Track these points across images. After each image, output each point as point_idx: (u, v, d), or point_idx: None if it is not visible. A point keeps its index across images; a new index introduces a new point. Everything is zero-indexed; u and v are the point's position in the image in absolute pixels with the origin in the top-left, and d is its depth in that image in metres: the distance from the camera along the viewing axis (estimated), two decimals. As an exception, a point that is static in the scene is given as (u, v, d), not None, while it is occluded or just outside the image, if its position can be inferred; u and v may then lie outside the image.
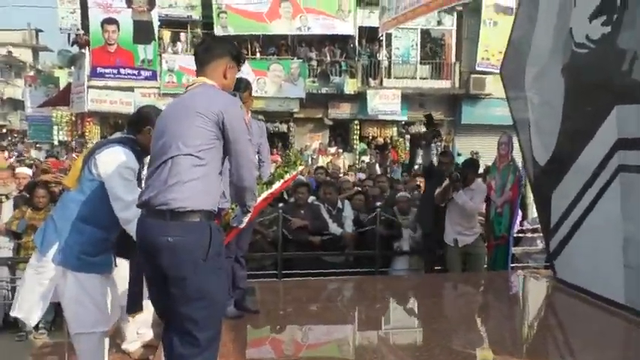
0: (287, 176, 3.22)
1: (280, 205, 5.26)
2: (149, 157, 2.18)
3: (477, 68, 15.73)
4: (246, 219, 2.40)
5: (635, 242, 3.38)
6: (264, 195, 3.09)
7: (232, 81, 2.27)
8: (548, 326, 3.79)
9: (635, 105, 3.32)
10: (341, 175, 9.40)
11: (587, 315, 3.64)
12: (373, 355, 3.01)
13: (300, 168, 3.42)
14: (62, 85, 18.11)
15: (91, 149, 2.67)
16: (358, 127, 16.20)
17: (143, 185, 2.99)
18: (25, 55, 34.74)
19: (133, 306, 2.71)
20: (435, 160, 5.65)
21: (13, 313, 2.44)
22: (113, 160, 2.53)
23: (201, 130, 2.00)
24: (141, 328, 3.30)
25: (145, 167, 2.86)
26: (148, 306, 3.32)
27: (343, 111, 16.11)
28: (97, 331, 2.58)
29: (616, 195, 3.53)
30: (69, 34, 15.47)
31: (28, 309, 2.42)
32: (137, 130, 2.68)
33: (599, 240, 3.69)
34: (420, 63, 16.27)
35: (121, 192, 2.50)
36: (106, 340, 2.76)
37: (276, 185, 3.17)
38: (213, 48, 2.23)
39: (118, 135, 2.71)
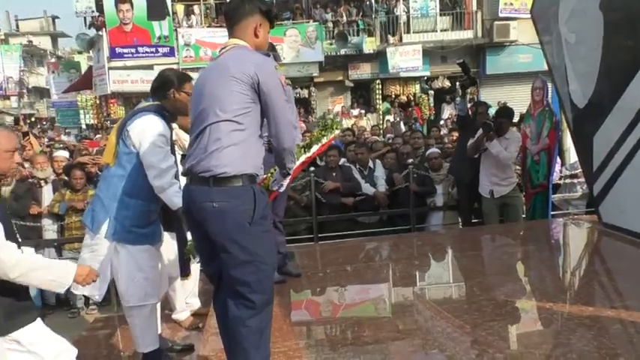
0: (324, 140, 3.20)
1: (312, 169, 5.23)
2: (190, 122, 2.15)
3: (500, 14, 15.11)
4: (286, 182, 2.38)
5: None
6: (303, 158, 3.09)
7: (265, 39, 2.19)
8: (596, 271, 3.71)
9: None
10: (367, 135, 9.30)
11: (636, 258, 3.54)
12: (415, 312, 3.02)
13: (337, 132, 3.38)
14: (83, 69, 18.27)
15: (121, 122, 2.68)
16: (380, 87, 15.92)
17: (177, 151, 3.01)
18: (44, 42, 35.06)
19: (184, 271, 2.82)
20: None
21: (77, 291, 2.51)
22: (144, 129, 2.53)
23: (237, 94, 1.97)
24: (189, 298, 3.40)
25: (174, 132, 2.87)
26: (194, 275, 3.41)
27: (364, 71, 15.82)
28: (148, 304, 2.65)
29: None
30: (85, 18, 15.49)
31: (92, 285, 2.49)
32: (162, 95, 2.67)
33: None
34: (440, 14, 15.72)
35: (155, 160, 2.51)
36: (158, 312, 2.83)
37: (314, 149, 3.16)
38: (241, 6, 2.15)
39: (144, 104, 2.69)
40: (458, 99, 10.62)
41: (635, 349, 2.42)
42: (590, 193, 4.35)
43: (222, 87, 1.99)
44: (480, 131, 4.68)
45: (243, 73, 1.97)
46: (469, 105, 6.44)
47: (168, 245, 2.84)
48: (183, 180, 2.57)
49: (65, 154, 5.98)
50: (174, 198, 2.52)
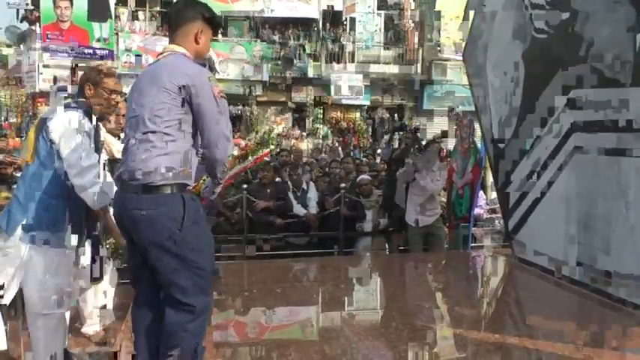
0: (260, 153, 3.24)
1: (244, 186, 5.20)
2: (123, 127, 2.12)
3: (440, 55, 15.95)
4: (217, 190, 2.37)
5: (587, 219, 3.54)
6: (236, 169, 3.09)
7: (206, 46, 2.17)
8: (507, 302, 3.94)
9: (590, 89, 3.45)
10: (305, 158, 9.38)
11: (544, 290, 3.81)
12: (339, 335, 3.05)
13: (272, 147, 3.43)
14: (11, 64, 17.22)
15: (42, 117, 2.55)
16: (322, 111, 16.20)
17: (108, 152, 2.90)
18: (-31, 31, 32.83)
19: (93, 275, 2.70)
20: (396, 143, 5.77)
21: None
22: (65, 125, 2.43)
23: (169, 106, 1.96)
24: (100, 311, 3.24)
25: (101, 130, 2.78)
26: (108, 286, 3.27)
27: (307, 94, 16.06)
28: (57, 312, 2.50)
29: (571, 176, 3.68)
30: (17, 10, 14.69)
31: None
32: (83, 91, 2.58)
33: (554, 220, 3.85)
34: (384, 48, 16.36)
35: (75, 157, 2.41)
36: (66, 325, 2.68)
37: (249, 160, 3.19)
38: (184, 11, 2.13)
39: (66, 100, 2.58)
40: (385, 138, 11.05)
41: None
42: (506, 228, 4.64)
43: (153, 97, 1.97)
44: (409, 161, 4.90)
45: (175, 85, 1.96)
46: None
47: (85, 252, 2.71)
48: (107, 183, 2.50)
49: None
50: (96, 197, 2.43)
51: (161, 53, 2.12)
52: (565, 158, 3.75)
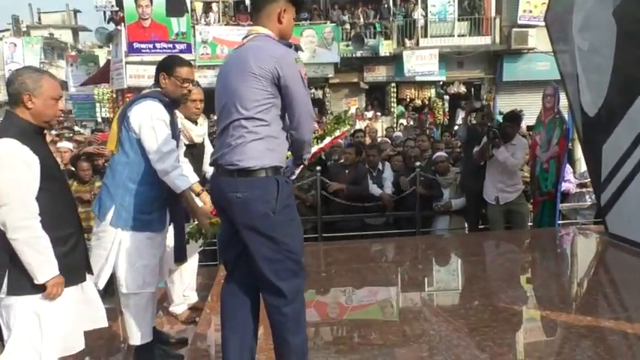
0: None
1: (318, 168, 5.23)
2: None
3: (519, 22, 14.98)
4: (297, 171, 2.39)
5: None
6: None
7: (290, 25, 2.16)
8: (599, 282, 3.67)
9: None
10: (379, 137, 9.29)
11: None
12: (418, 317, 3.00)
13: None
14: (102, 62, 18.50)
15: (122, 109, 2.71)
16: (395, 90, 15.88)
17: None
18: (65, 36, 35.60)
19: (179, 256, 2.83)
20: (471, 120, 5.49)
21: None
22: (143, 114, 2.56)
23: (258, 91, 1.98)
24: (186, 291, 3.42)
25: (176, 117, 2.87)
26: (193, 268, 3.44)
27: (379, 74, 15.80)
28: (146, 292, 2.66)
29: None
30: (104, 12, 15.69)
31: (97, 273, 2.53)
32: (158, 81, 2.69)
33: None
34: (458, 19, 15.64)
35: (155, 144, 2.54)
36: (154, 304, 2.84)
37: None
38: None
39: (145, 91, 2.72)
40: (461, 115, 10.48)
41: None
42: (598, 203, 4.30)
43: (242, 83, 1.99)
44: (485, 139, 4.65)
45: (263, 69, 1.96)
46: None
47: (170, 236, 2.86)
48: (185, 166, 2.58)
49: (68, 145, 6.01)
50: (177, 181, 2.56)
51: (246, 36, 2.12)
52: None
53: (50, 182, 2.11)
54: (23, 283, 2.07)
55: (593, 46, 4.13)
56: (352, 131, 9.67)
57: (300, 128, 2.07)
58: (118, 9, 14.97)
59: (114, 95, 16.49)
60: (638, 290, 3.22)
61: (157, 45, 14.76)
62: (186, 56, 14.70)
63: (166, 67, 2.68)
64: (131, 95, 15.24)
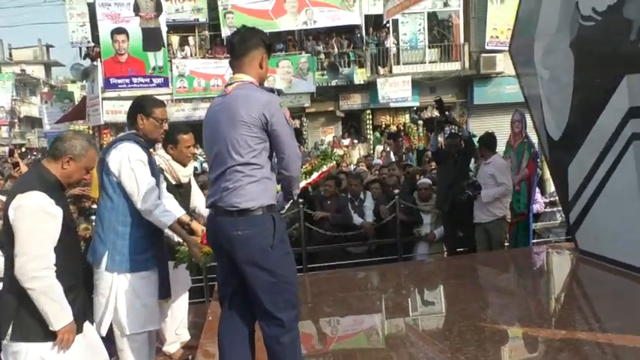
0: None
1: (300, 200, 5.33)
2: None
3: (487, 47, 15.59)
4: (287, 205, 2.54)
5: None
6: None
7: (267, 70, 2.35)
8: (574, 297, 3.84)
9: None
10: (354, 166, 9.47)
11: (612, 283, 3.68)
12: (404, 341, 3.09)
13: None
14: (77, 99, 18.43)
15: (100, 156, 2.77)
16: (370, 117, 16.22)
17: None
18: (37, 71, 35.34)
19: (162, 293, 2.88)
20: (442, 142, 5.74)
21: None
22: (122, 157, 2.65)
23: (250, 138, 2.14)
24: (178, 329, 3.44)
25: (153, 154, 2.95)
26: (184, 306, 3.46)
27: (354, 102, 16.13)
28: (146, 331, 2.71)
29: (631, 163, 3.56)
30: (80, 48, 15.73)
31: (98, 320, 2.57)
32: (133, 122, 2.78)
33: (617, 208, 3.73)
34: (429, 47, 16.19)
35: (134, 185, 2.62)
36: (154, 345, 2.89)
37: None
38: (249, 39, 2.28)
39: (120, 135, 2.83)
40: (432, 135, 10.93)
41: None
42: (567, 221, 4.51)
43: (234, 131, 2.14)
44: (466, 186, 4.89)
45: (253, 117, 2.13)
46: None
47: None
48: (168, 201, 2.65)
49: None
50: (161, 218, 2.64)
51: (230, 84, 2.27)
52: (623, 145, 3.63)
53: (66, 234, 2.20)
54: (30, 330, 2.12)
55: (553, 74, 4.40)
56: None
57: (289, 167, 2.23)
58: (94, 45, 15.04)
59: (90, 132, 16.40)
60: (608, 302, 3.41)
61: (134, 80, 14.84)
62: (163, 90, 14.91)
63: (142, 108, 2.77)
64: (108, 131, 15.27)
